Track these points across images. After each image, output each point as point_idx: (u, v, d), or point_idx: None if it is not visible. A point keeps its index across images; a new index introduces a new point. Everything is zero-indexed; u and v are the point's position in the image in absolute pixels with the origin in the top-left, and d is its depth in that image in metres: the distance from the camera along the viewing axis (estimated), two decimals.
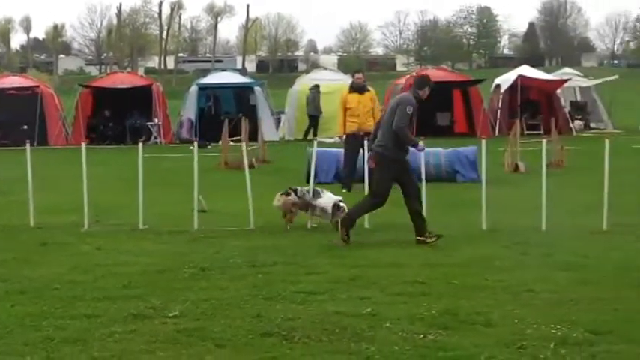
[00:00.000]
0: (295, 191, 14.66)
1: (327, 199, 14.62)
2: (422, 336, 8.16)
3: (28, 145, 15.74)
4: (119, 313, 9.07)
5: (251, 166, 17.37)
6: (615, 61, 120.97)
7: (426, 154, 16.56)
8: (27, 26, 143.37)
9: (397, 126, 13.18)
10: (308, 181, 15.98)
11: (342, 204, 14.40)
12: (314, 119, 37.78)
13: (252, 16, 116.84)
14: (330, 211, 14.45)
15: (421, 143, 13.69)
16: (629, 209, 16.00)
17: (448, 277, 10.71)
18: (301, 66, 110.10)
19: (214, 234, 14.10)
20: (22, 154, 16.28)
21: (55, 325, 8.59)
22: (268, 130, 36.51)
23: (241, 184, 15.36)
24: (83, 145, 15.27)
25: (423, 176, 15.03)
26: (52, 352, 7.74)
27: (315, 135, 35.42)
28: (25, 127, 36.61)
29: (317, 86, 37.80)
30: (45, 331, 8.38)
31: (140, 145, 15.14)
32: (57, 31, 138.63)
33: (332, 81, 38.12)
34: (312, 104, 37.77)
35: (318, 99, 37.45)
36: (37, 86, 38.95)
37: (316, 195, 14.65)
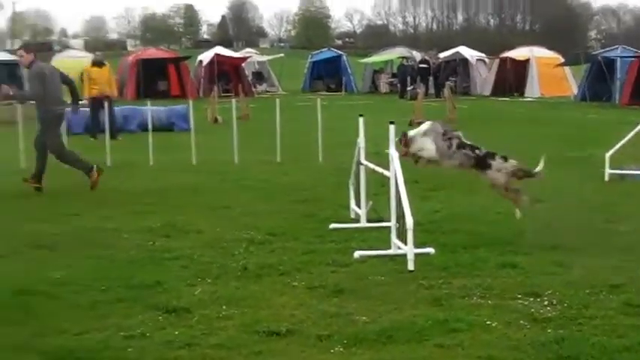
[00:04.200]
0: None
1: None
2: (151, 243, 8.00)
3: None
4: None
5: None
6: (282, 44, 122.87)
7: (152, 111, 16.23)
8: None
9: None
10: None
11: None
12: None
13: (18, 10, 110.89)
14: None
15: None
16: (294, 146, 16.16)
17: (167, 199, 10.56)
18: (56, 47, 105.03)
19: None
20: None
21: None
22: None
23: None
24: None
25: (150, 127, 14.79)
26: None
27: None
28: None
29: None
30: None
31: None
32: None
33: (80, 58, 36.45)
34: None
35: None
36: None
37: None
